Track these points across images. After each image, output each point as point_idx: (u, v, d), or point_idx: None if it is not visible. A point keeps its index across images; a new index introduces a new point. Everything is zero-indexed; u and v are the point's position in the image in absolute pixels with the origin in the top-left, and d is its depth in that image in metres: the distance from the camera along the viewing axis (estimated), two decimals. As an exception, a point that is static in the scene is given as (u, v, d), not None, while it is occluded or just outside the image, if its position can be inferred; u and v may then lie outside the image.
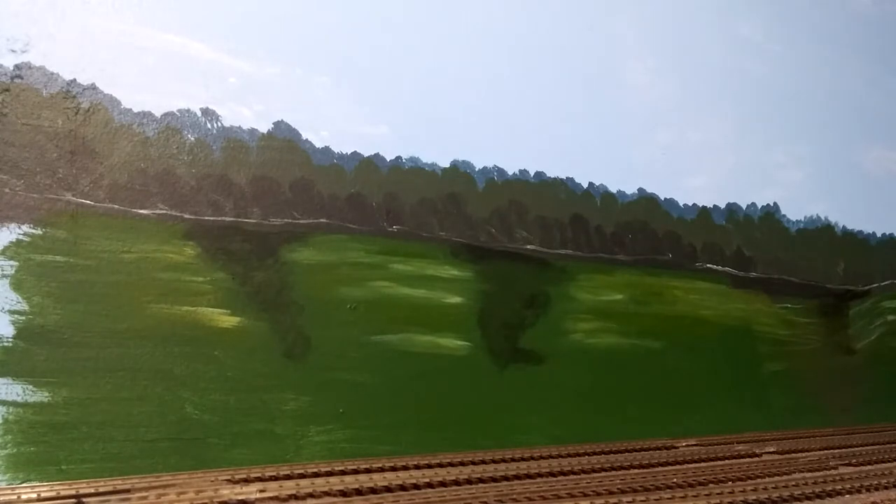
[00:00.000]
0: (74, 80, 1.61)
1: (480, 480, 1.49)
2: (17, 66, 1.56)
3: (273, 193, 1.82)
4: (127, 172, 1.66)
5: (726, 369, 2.44)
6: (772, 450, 2.01)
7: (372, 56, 1.97)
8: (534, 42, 2.22)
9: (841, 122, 2.86)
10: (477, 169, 2.09)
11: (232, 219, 1.76)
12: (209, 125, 1.76)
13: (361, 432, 1.83)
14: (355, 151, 1.92)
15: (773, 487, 1.52)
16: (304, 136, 1.87)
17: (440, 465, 1.62)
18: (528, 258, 2.14)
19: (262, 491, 1.34)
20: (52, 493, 1.29)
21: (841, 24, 2.91)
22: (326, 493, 1.35)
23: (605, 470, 1.67)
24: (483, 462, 1.68)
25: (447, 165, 2.05)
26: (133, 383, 1.61)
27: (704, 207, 2.48)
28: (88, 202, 1.61)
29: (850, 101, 2.89)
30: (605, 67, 2.35)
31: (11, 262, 1.53)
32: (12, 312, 1.52)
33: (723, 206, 2.52)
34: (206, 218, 1.73)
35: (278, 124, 1.84)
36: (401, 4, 2.03)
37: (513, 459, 1.72)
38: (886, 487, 1.59)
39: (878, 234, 2.87)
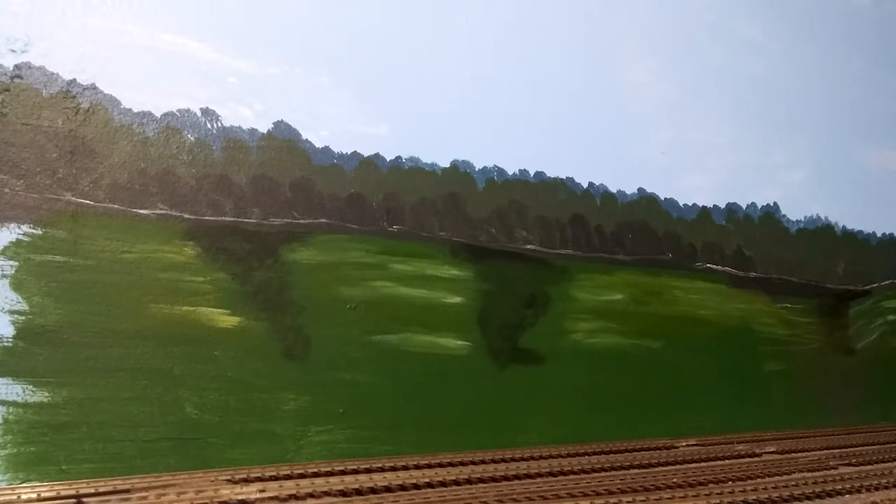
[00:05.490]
0: (74, 80, 1.61)
1: (480, 480, 1.50)
2: (17, 66, 1.56)
3: (273, 193, 1.82)
4: (127, 172, 1.66)
5: (726, 369, 2.44)
6: (772, 450, 2.01)
7: (372, 56, 1.96)
8: (534, 42, 2.22)
9: (841, 121, 2.86)
10: (477, 169, 2.09)
11: (232, 219, 1.76)
12: (209, 125, 1.76)
13: (361, 432, 1.83)
14: (355, 151, 1.92)
15: (773, 487, 1.52)
16: (304, 136, 1.87)
17: (440, 465, 1.62)
18: (528, 258, 2.14)
19: (262, 491, 1.34)
20: (52, 493, 1.29)
21: (841, 24, 2.91)
22: (326, 493, 1.35)
23: (605, 470, 1.67)
24: (483, 462, 1.68)
25: (447, 165, 2.05)
26: (133, 383, 1.61)
27: (704, 207, 2.48)
28: (88, 202, 1.61)
29: (850, 101, 2.89)
30: (605, 67, 2.35)
31: (11, 262, 1.53)
32: (12, 312, 1.52)
33: (723, 206, 2.52)
34: (206, 218, 1.73)
35: (278, 124, 1.84)
36: (401, 4, 2.03)
37: (513, 459, 1.72)
38: (886, 487, 1.59)
39: (878, 234, 2.87)
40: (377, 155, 1.95)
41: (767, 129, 2.68)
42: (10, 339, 1.52)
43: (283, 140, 1.84)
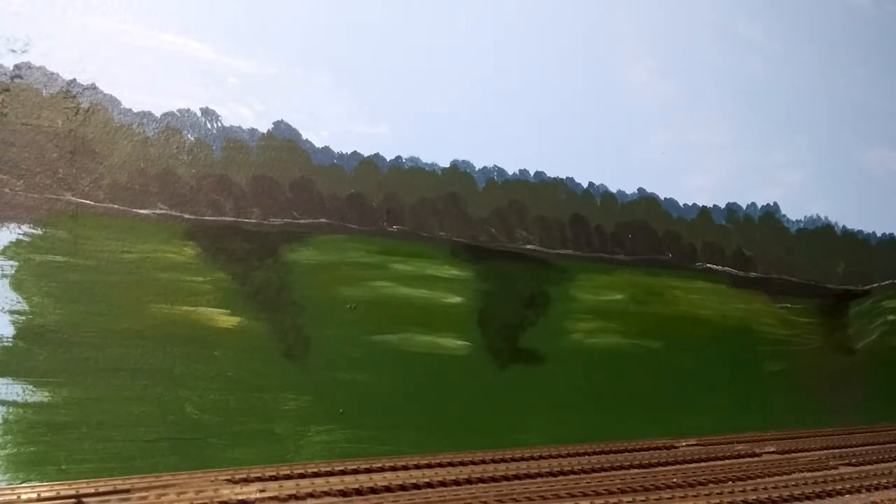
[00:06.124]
0: (74, 80, 1.61)
1: (480, 480, 1.50)
2: (17, 66, 1.56)
3: (273, 193, 1.82)
4: (127, 172, 1.66)
5: (726, 369, 2.44)
6: (772, 450, 2.01)
7: (372, 56, 1.97)
8: (534, 42, 2.22)
9: (841, 121, 2.86)
10: (477, 169, 2.09)
11: (232, 219, 1.76)
12: (209, 125, 1.76)
13: (361, 432, 1.83)
14: (355, 151, 1.92)
15: (773, 487, 1.52)
16: (304, 136, 1.87)
17: (440, 465, 1.62)
18: (528, 258, 2.14)
19: (262, 491, 1.34)
20: (52, 493, 1.30)
21: (841, 24, 2.91)
22: (326, 493, 1.35)
23: (605, 470, 1.67)
24: (483, 462, 1.68)
25: (447, 165, 2.05)
26: (133, 383, 1.61)
27: (704, 207, 2.48)
28: (88, 202, 1.61)
29: (850, 101, 2.89)
30: (605, 67, 2.35)
31: (11, 262, 1.53)
32: (12, 312, 1.52)
33: (723, 206, 2.52)
34: (206, 218, 1.73)
35: (278, 124, 1.84)
36: (401, 4, 2.03)
37: (513, 459, 1.72)
38: (886, 487, 1.59)
39: (878, 234, 2.87)
40: (377, 155, 1.95)
41: (767, 129, 2.68)
42: (10, 339, 1.52)
43: (283, 140, 1.84)
